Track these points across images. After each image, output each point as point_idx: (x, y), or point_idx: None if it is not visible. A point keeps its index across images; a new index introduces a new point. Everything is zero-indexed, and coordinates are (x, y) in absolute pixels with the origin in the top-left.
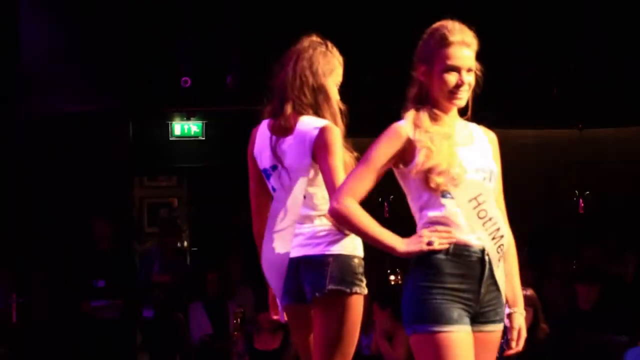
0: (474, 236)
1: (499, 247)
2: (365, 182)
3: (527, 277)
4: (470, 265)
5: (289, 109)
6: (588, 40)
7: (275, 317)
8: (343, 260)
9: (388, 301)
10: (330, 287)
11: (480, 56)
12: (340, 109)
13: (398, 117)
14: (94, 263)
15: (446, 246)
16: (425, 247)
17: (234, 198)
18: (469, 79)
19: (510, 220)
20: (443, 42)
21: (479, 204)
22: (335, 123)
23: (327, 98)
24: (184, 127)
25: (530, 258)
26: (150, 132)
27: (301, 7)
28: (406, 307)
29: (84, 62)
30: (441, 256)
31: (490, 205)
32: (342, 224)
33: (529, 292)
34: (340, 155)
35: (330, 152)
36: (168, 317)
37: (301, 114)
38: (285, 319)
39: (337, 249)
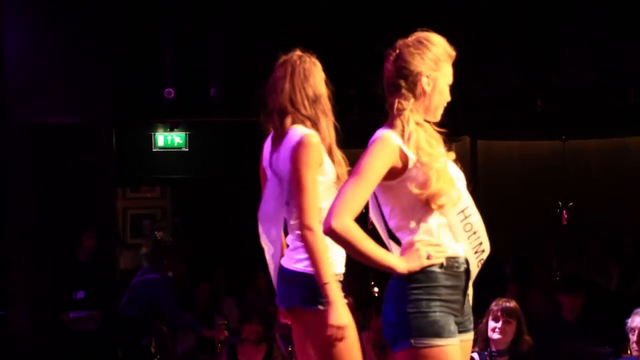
0: (460, 248)
1: (480, 260)
2: (362, 197)
3: (511, 288)
4: (458, 276)
5: (288, 122)
6: (570, 52)
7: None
8: (313, 280)
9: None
10: (294, 304)
11: (464, 68)
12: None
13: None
14: (74, 274)
15: (442, 259)
16: (425, 262)
17: (218, 209)
18: None
19: (494, 230)
20: (448, 56)
21: (466, 217)
22: (329, 133)
23: (323, 109)
24: (167, 138)
25: (514, 269)
26: (133, 143)
27: (285, 19)
28: (400, 321)
29: (67, 73)
30: (436, 269)
31: (475, 218)
32: (339, 243)
33: (512, 303)
34: (311, 171)
35: (297, 167)
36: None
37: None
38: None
39: (311, 268)
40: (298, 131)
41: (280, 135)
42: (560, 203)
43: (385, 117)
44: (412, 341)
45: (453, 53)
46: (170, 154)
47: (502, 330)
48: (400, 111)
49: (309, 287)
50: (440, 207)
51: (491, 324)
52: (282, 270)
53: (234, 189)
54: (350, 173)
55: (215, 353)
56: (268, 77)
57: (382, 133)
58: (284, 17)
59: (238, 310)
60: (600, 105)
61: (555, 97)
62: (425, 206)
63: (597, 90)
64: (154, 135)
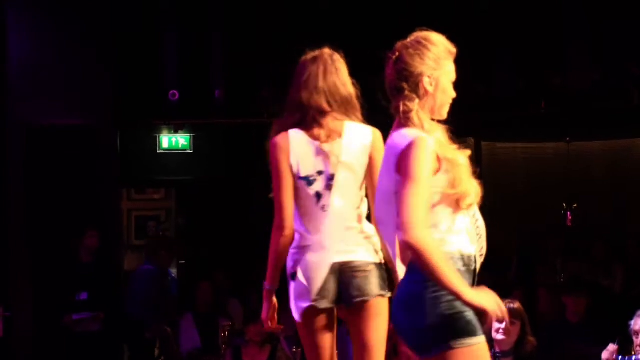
0: (473, 247)
1: (481, 263)
2: (426, 205)
3: (516, 294)
4: (471, 275)
5: (329, 121)
6: (573, 52)
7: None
8: (383, 267)
9: None
10: (377, 292)
11: (466, 70)
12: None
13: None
14: (77, 276)
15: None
16: (498, 312)
17: (222, 210)
18: None
19: (498, 231)
20: (449, 53)
21: (476, 220)
22: None
23: (355, 107)
24: (172, 140)
25: (518, 270)
26: (138, 144)
27: (291, 19)
28: (436, 324)
29: (71, 74)
30: (461, 268)
31: (481, 220)
32: (417, 256)
33: (516, 304)
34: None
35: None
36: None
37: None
38: (301, 319)
39: (380, 256)
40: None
41: (329, 133)
42: (564, 204)
43: (389, 119)
44: (452, 343)
45: (454, 50)
46: (174, 155)
47: (506, 331)
48: (407, 113)
49: (384, 275)
50: (469, 206)
51: (495, 324)
52: (351, 264)
53: (238, 190)
54: (400, 183)
55: (219, 354)
56: (273, 78)
57: (416, 136)
58: (288, 18)
59: (243, 311)
60: (604, 107)
61: (559, 98)
62: (452, 207)
63: (601, 92)
64: (159, 137)
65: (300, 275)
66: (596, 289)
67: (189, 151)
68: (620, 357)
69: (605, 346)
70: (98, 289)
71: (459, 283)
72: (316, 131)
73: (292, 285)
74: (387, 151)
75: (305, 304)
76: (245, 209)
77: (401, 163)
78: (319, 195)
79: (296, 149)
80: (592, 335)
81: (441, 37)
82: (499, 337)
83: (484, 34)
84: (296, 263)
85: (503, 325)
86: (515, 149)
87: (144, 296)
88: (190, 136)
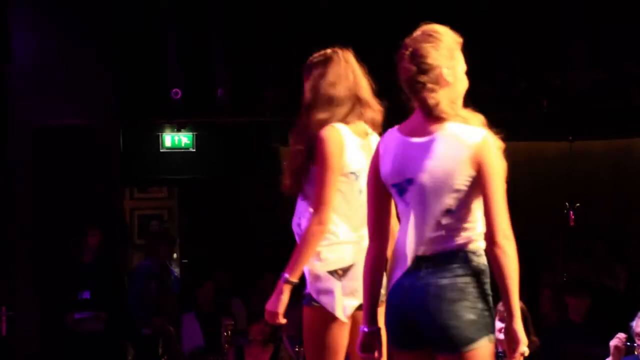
0: None
1: None
2: None
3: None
4: None
5: (367, 116)
6: (574, 52)
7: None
8: None
9: None
10: None
11: (469, 69)
12: None
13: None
14: (79, 275)
15: None
16: (522, 345)
17: (225, 209)
18: None
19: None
20: (457, 43)
21: None
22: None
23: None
24: (175, 139)
25: (521, 270)
26: (140, 143)
27: (291, 19)
28: (480, 318)
29: (73, 74)
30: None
31: None
32: (506, 261)
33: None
34: None
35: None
36: (159, 331)
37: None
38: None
39: None
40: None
41: (368, 129)
42: (567, 204)
43: (404, 116)
44: (489, 337)
45: (460, 39)
46: (177, 154)
47: None
48: (438, 105)
49: None
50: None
51: (498, 324)
52: None
53: (240, 189)
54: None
55: (222, 353)
56: (275, 77)
57: (486, 133)
58: (287, 18)
59: (245, 310)
60: (606, 106)
61: (561, 98)
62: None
63: (603, 91)
64: (161, 135)
65: (356, 272)
66: (599, 289)
67: (191, 150)
68: (629, 344)
69: (608, 346)
70: (100, 288)
71: (516, 305)
72: (358, 126)
73: (339, 283)
74: (450, 144)
75: (355, 303)
76: (248, 207)
77: (483, 160)
78: (361, 192)
79: (348, 143)
80: (594, 336)
81: (446, 28)
82: (502, 336)
83: (484, 33)
84: (346, 259)
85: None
86: (518, 148)
87: (142, 291)
88: (193, 135)
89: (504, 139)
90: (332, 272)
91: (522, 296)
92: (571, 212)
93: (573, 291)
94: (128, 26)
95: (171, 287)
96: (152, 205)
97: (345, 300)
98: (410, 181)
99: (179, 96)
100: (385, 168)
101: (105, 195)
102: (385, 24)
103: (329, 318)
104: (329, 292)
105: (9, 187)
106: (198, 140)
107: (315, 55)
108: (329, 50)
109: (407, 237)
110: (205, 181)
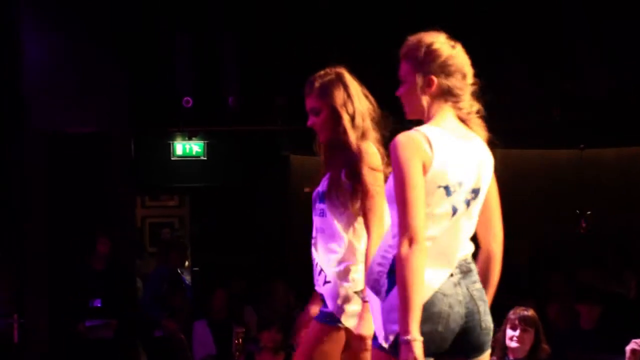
0: None
1: None
2: None
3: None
4: None
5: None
6: (588, 60)
7: None
8: None
9: None
10: None
11: (479, 77)
12: None
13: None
14: (91, 282)
15: None
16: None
17: (236, 217)
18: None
19: (512, 239)
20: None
21: None
22: None
23: None
24: (186, 147)
25: (531, 278)
26: (152, 151)
27: (291, 19)
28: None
29: (86, 82)
30: None
31: None
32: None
33: (530, 312)
34: None
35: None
36: (171, 337)
37: None
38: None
39: None
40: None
41: None
42: (578, 211)
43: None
44: None
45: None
46: (188, 162)
47: (520, 339)
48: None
49: None
50: None
51: (509, 332)
52: None
53: (252, 197)
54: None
55: None
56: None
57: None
58: (289, 17)
59: (257, 317)
60: (618, 114)
61: (573, 105)
62: None
63: (615, 98)
64: (173, 144)
65: None
66: (609, 297)
67: (202, 158)
68: None
69: (619, 353)
70: (111, 296)
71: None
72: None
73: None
74: (487, 159)
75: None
76: (259, 215)
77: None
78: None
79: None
80: (605, 343)
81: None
82: (513, 344)
83: (497, 43)
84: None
85: (517, 333)
86: (529, 156)
87: (155, 292)
88: (204, 143)
89: (514, 146)
90: (360, 292)
91: (533, 304)
92: (582, 220)
93: (584, 299)
94: (140, 34)
95: (183, 288)
96: (164, 213)
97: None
98: (472, 187)
99: (190, 104)
100: (442, 167)
101: (117, 203)
102: (385, 24)
103: (351, 340)
104: (357, 314)
105: (23, 194)
106: (209, 149)
107: (322, 74)
108: (335, 70)
109: (452, 241)
110: (217, 189)
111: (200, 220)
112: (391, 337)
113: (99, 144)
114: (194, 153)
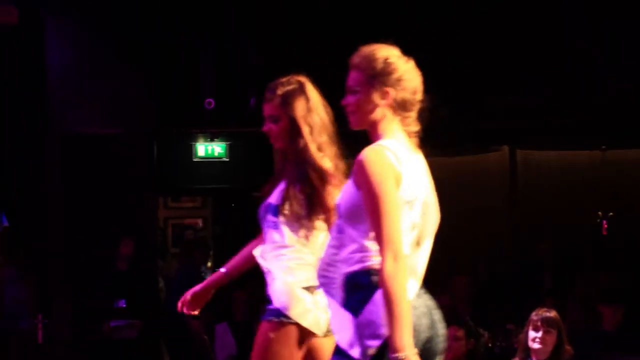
0: None
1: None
2: None
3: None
4: None
5: None
6: (609, 60)
7: None
8: None
9: None
10: None
11: (501, 77)
12: None
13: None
14: (115, 283)
15: None
16: None
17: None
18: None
19: (533, 241)
20: None
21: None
22: None
23: None
24: (208, 148)
25: (554, 280)
26: (174, 153)
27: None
28: None
29: (109, 84)
30: None
31: None
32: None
33: (552, 313)
34: None
35: None
36: (194, 337)
37: None
38: None
39: None
40: None
41: None
42: (600, 213)
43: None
44: None
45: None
46: (210, 164)
47: (542, 340)
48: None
49: None
50: None
51: (531, 333)
52: None
53: None
54: None
55: None
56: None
57: None
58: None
59: None
60: (638, 114)
61: (594, 106)
62: None
63: (636, 99)
64: (195, 145)
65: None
66: (633, 298)
67: (224, 159)
68: None
69: None
70: (135, 297)
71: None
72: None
73: (312, 297)
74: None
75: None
76: None
77: None
78: None
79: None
80: (629, 345)
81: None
82: (536, 346)
83: (513, 45)
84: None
85: (539, 334)
86: (550, 157)
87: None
88: (226, 144)
89: (535, 148)
90: (306, 289)
91: (554, 305)
92: (604, 222)
93: (607, 300)
94: (162, 36)
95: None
96: (186, 214)
97: (322, 314)
98: (424, 200)
99: (212, 106)
100: (408, 182)
101: (139, 204)
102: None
103: (301, 333)
104: (300, 306)
105: (45, 195)
106: (231, 150)
107: (283, 81)
108: (298, 79)
109: (416, 255)
110: (239, 190)
111: (222, 221)
112: (370, 352)
113: (121, 146)
114: (216, 154)
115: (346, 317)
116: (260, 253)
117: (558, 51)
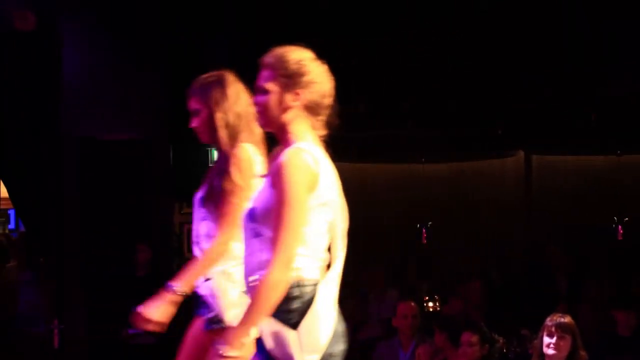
0: None
1: None
2: None
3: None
4: None
5: None
6: (625, 65)
7: None
8: None
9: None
10: None
11: (517, 82)
12: None
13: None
14: (133, 289)
15: None
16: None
17: None
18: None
19: (548, 245)
20: None
21: None
22: None
23: None
24: None
25: (569, 285)
26: (190, 158)
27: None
28: None
29: (124, 88)
30: None
31: None
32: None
33: (567, 318)
34: None
35: None
36: None
37: None
38: None
39: None
40: None
41: None
42: (615, 218)
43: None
44: None
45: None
46: None
47: (556, 346)
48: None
49: None
50: None
51: (546, 339)
52: None
53: None
54: None
55: None
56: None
57: None
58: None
59: None
60: None
61: (610, 111)
62: None
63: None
64: (210, 150)
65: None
66: None
67: None
68: None
69: None
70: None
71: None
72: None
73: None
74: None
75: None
76: None
77: None
78: None
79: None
80: None
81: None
82: (550, 351)
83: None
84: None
85: (554, 340)
86: (566, 161)
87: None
88: None
89: (550, 152)
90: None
91: (568, 310)
92: (619, 227)
93: (622, 305)
94: (179, 42)
95: None
96: None
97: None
98: (336, 202)
99: None
100: (324, 184)
101: (156, 210)
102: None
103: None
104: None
105: (61, 201)
106: None
107: (205, 76)
108: (218, 72)
109: (335, 259)
110: None
111: None
112: None
113: (137, 151)
114: None
115: (282, 331)
116: (197, 248)
117: (573, 55)
